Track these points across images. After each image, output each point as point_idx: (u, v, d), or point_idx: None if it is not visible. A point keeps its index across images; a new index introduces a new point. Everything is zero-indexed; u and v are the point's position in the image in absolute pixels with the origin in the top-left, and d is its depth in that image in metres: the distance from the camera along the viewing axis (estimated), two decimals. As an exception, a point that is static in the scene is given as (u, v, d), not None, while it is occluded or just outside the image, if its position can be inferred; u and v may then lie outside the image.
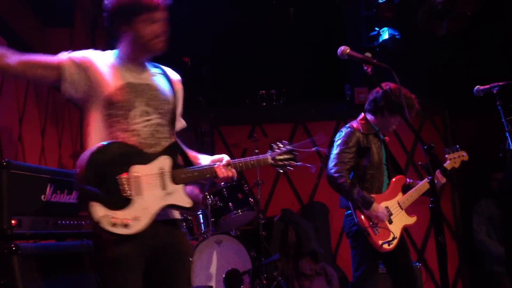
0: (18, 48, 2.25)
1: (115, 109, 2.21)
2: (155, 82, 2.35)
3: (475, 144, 5.08)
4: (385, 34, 6.20)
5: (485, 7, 5.77)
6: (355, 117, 3.87)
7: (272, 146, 2.50)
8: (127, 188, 2.10)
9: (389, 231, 3.56)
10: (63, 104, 4.78)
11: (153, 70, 2.41)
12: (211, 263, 4.46)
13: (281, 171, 2.50)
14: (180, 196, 2.24)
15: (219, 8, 6.08)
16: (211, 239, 4.48)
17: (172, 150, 2.27)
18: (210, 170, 2.32)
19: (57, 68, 2.22)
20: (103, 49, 2.38)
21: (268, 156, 2.46)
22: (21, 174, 2.47)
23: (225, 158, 2.39)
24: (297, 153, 2.49)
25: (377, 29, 6.33)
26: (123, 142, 2.17)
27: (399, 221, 3.66)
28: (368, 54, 2.67)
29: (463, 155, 3.86)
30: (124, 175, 2.11)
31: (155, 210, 2.15)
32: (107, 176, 2.08)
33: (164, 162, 2.23)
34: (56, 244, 2.75)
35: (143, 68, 2.37)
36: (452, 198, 6.60)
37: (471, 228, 5.81)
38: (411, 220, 3.73)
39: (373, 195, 3.57)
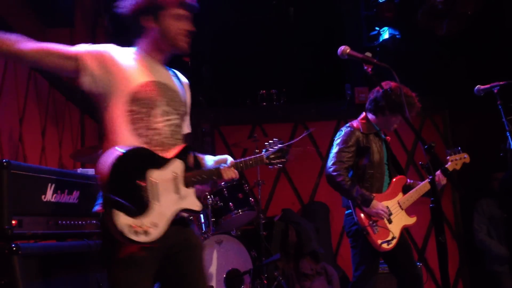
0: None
1: (139, 106, 2.18)
2: (174, 83, 2.35)
3: (476, 143, 5.08)
4: (385, 34, 6.20)
5: (485, 6, 5.77)
6: (355, 117, 3.87)
7: (266, 145, 2.52)
8: (147, 195, 2.09)
9: (388, 230, 3.56)
10: (63, 104, 4.78)
11: (169, 71, 2.40)
12: (212, 263, 4.46)
13: (276, 167, 2.51)
14: (192, 199, 2.25)
15: (219, 8, 6.07)
16: (212, 239, 4.48)
17: (184, 153, 2.26)
18: (216, 172, 2.33)
19: (75, 59, 2.16)
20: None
21: (263, 155, 2.47)
22: (21, 174, 2.47)
23: (229, 159, 2.41)
24: (287, 150, 2.50)
25: (377, 28, 6.33)
26: (140, 147, 2.15)
27: (399, 221, 3.66)
28: (369, 54, 2.66)
29: (465, 157, 3.85)
30: (143, 182, 2.09)
31: (170, 215, 2.15)
32: (128, 184, 2.07)
33: (177, 166, 2.22)
34: (57, 244, 2.75)
35: (163, 68, 2.36)
36: (453, 198, 6.60)
37: (471, 228, 5.81)
38: (411, 220, 3.73)
39: (373, 194, 3.58)
